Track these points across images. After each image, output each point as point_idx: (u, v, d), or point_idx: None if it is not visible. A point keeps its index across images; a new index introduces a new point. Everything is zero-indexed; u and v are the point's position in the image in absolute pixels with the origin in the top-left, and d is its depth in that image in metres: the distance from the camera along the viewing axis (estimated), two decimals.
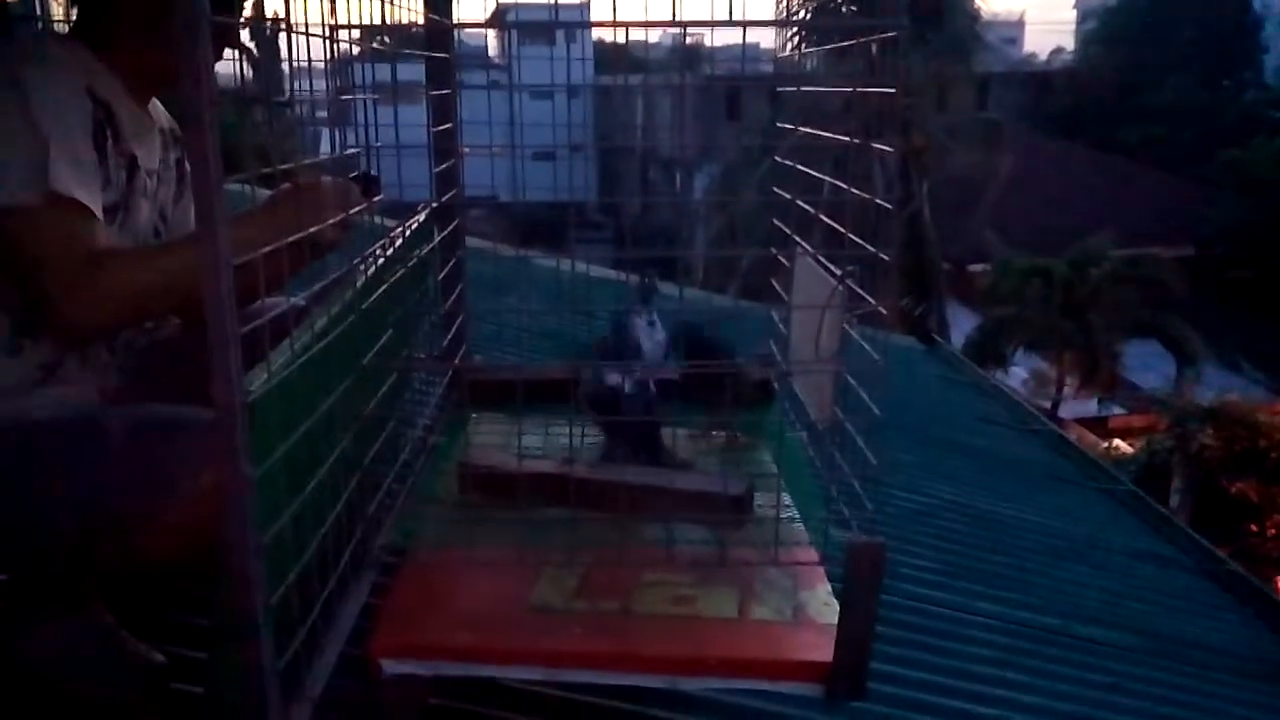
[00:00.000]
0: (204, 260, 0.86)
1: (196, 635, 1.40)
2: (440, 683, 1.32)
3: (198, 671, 1.32)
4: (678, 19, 1.24)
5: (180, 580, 1.42)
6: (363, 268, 1.30)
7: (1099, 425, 14.62)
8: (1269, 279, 18.00)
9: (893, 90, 1.16)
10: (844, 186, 1.26)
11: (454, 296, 1.88)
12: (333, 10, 1.22)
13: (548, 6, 1.45)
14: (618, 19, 1.25)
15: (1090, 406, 14.83)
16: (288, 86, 1.32)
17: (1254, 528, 11.16)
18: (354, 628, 1.24)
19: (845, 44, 1.41)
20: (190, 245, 1.16)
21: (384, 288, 1.36)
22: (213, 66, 0.85)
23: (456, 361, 1.89)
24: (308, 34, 1.14)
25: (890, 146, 1.23)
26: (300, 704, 1.06)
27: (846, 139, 1.31)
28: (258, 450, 0.94)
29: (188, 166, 1.57)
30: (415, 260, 1.58)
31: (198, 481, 1.18)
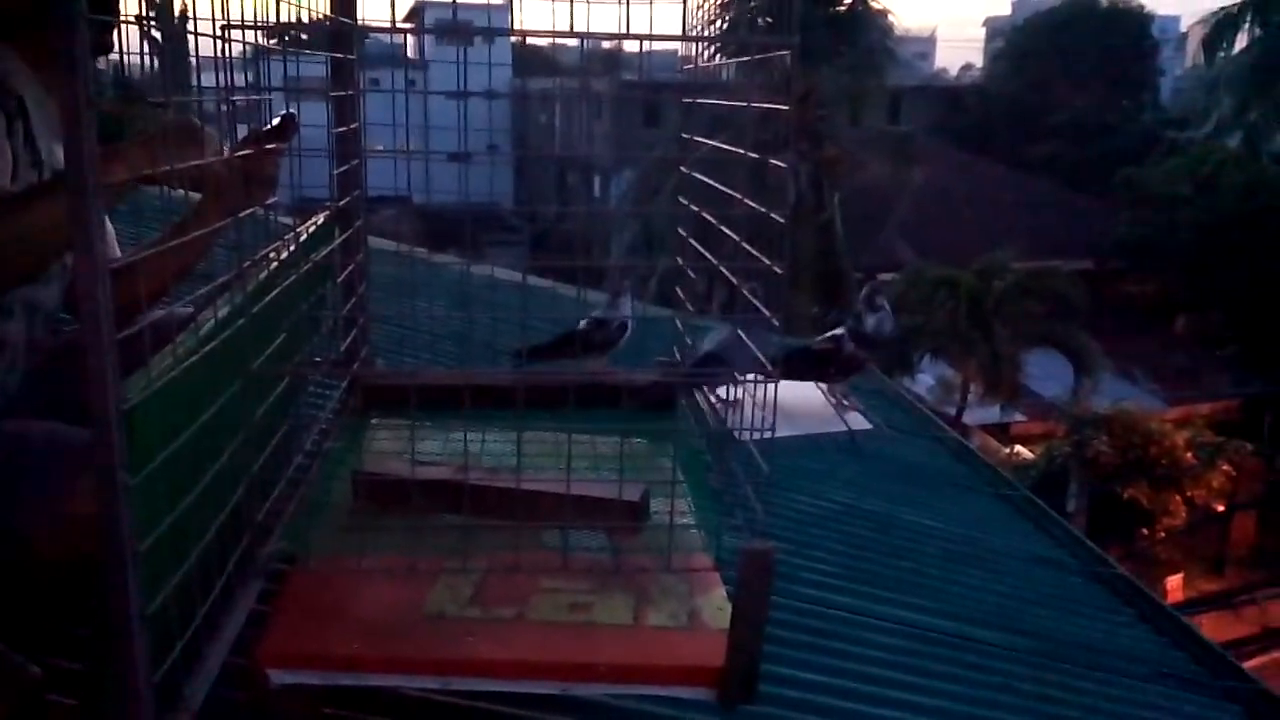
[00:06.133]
0: (82, 268, 0.83)
1: (74, 646, 1.35)
2: (334, 693, 1.30)
3: (75, 683, 1.28)
4: (588, 28, 1.25)
5: (57, 596, 1.37)
6: (255, 270, 1.28)
7: (1001, 431, 15.05)
8: (1163, 293, 18.74)
9: (784, 106, 1.18)
10: (739, 198, 1.28)
11: (354, 300, 1.85)
12: (225, 7, 1.19)
13: (466, 6, 1.45)
14: (529, 26, 1.25)
15: (993, 413, 15.23)
16: (177, 83, 1.29)
17: (1145, 531, 11.65)
18: (240, 636, 1.22)
19: (743, 59, 1.43)
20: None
21: (276, 290, 1.33)
22: (90, 65, 0.83)
23: (356, 366, 1.86)
24: (196, 32, 1.11)
25: (785, 161, 1.25)
26: (179, 714, 1.03)
27: (740, 151, 1.33)
28: (137, 458, 0.91)
29: None
30: (311, 263, 1.56)
31: (72, 504, 1.14)
